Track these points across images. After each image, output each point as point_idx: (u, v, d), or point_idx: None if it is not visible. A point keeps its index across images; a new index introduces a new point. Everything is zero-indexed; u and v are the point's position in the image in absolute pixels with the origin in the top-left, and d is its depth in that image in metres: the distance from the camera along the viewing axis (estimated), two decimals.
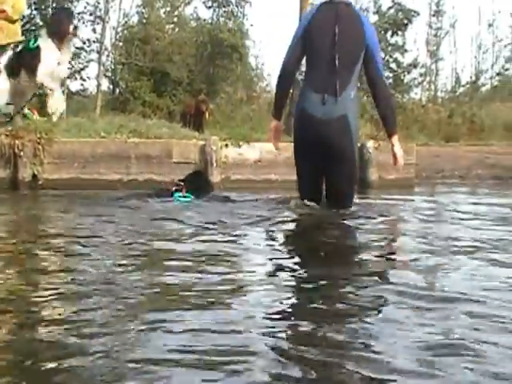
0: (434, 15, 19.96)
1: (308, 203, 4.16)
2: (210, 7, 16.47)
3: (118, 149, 6.45)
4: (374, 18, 18.17)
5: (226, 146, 6.73)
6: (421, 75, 18.98)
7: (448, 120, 16.16)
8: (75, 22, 7.00)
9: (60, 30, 6.84)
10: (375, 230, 3.63)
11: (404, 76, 18.40)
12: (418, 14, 18.23)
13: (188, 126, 9.00)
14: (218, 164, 6.51)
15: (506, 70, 19.56)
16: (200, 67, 15.11)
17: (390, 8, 18.17)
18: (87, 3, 15.03)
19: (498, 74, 19.13)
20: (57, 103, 6.98)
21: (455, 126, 15.33)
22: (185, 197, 5.09)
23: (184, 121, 9.88)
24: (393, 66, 18.22)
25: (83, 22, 14.80)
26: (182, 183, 5.20)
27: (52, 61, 6.83)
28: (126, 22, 15.77)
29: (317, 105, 4.04)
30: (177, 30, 16.13)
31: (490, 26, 19.81)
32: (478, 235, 3.31)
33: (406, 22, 18.06)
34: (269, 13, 21.88)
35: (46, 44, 6.82)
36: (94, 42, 14.95)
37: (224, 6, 16.41)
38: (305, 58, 4.31)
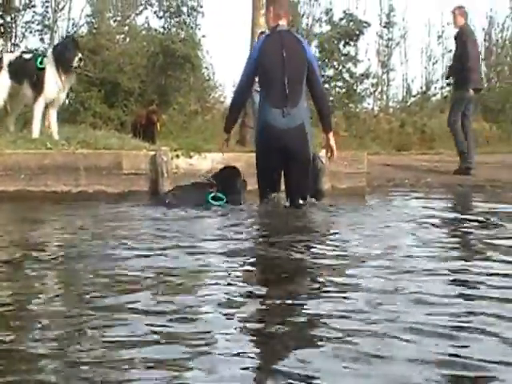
0: (384, 26, 20.38)
1: (272, 196, 5.04)
2: (161, 17, 16.44)
3: (66, 160, 6.37)
4: (326, 29, 18.48)
5: (177, 156, 6.71)
6: (373, 85, 19.30)
7: (399, 130, 16.49)
8: (78, 52, 7.05)
9: (65, 60, 6.92)
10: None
11: (356, 86, 18.68)
12: (369, 25, 18.58)
13: (139, 136, 8.95)
14: (168, 175, 6.49)
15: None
16: (152, 77, 15.05)
17: (341, 19, 18.46)
18: (35, 12, 14.86)
19: (447, 85, 19.55)
20: (37, 126, 7.01)
21: (406, 135, 15.66)
22: (217, 199, 5.27)
23: (134, 131, 9.82)
24: (346, 76, 18.48)
25: (31, 32, 14.64)
26: (214, 181, 5.41)
27: (54, 87, 6.94)
28: (75, 32, 15.62)
29: (278, 117, 4.88)
30: (128, 40, 16.05)
31: (439, 37, 20.32)
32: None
33: (357, 32, 18.37)
34: (222, 23, 21.97)
35: (51, 69, 6.91)
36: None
37: (176, 16, 16.40)
38: (258, 78, 5.25)
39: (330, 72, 19.18)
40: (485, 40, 20.34)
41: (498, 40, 20.38)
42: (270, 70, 5.01)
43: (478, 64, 9.12)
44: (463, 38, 8.57)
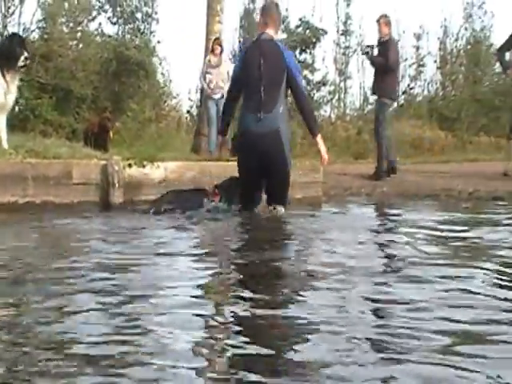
0: (342, 34, 20.56)
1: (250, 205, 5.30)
2: (115, 23, 16.29)
3: (14, 169, 6.17)
4: (282, 36, 18.53)
5: (130, 165, 6.57)
6: (330, 93, 19.46)
7: (357, 137, 16.61)
8: (24, 51, 6.55)
9: (10, 58, 6.47)
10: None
11: (314, 93, 18.81)
12: (326, 33, 18.74)
13: (91, 144, 8.78)
14: (120, 185, 6.35)
15: (411, 88, 20.37)
16: (105, 84, 14.85)
17: (298, 26, 18.58)
18: None
19: (403, 93, 19.87)
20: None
21: (363, 143, 15.76)
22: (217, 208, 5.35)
23: (86, 139, 9.63)
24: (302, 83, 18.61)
25: None
26: (217, 189, 5.49)
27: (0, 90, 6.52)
28: (25, 37, 15.30)
29: (253, 123, 5.11)
30: (80, 46, 15.81)
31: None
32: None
33: (314, 40, 18.50)
34: (177, 30, 21.87)
35: None
36: None
37: (130, 23, 16.26)
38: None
39: None
40: (440, 49, 20.78)
41: (452, 49, 20.83)
42: (247, 78, 5.26)
43: (397, 74, 9.37)
44: (386, 47, 8.71)
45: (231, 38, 19.24)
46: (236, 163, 5.44)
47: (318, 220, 5.32)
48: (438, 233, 4.14)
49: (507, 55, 9.21)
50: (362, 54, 9.97)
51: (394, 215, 5.76)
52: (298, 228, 4.63)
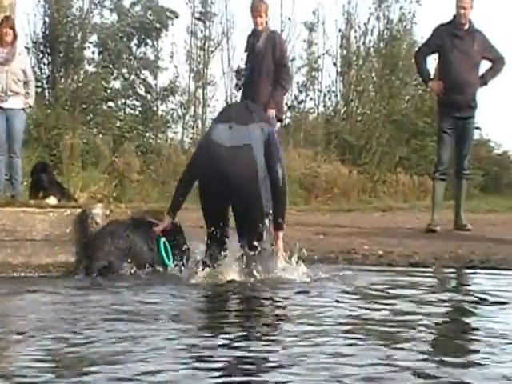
0: (198, 19, 20.91)
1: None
2: None
3: None
4: (111, 19, 18.61)
5: None
6: (182, 105, 19.77)
7: None
8: None
9: None
10: None
11: (157, 106, 18.98)
12: (177, 16, 19.03)
13: None
14: None
15: (300, 102, 20.87)
16: None
17: (134, 4, 18.74)
18: None
19: (289, 108, 20.20)
20: None
21: None
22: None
23: None
24: (140, 90, 18.77)
25: None
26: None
27: None
28: None
29: (223, 132, 6.28)
30: None
31: None
32: None
33: (158, 26, 18.76)
34: None
35: None
36: None
37: None
38: None
39: (116, 84, 19.31)
40: (341, 46, 21.44)
41: (358, 47, 21.55)
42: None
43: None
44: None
45: (32, 17, 18.98)
46: None
47: None
48: None
49: (430, 62, 9.78)
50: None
51: None
52: None
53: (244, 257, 6.26)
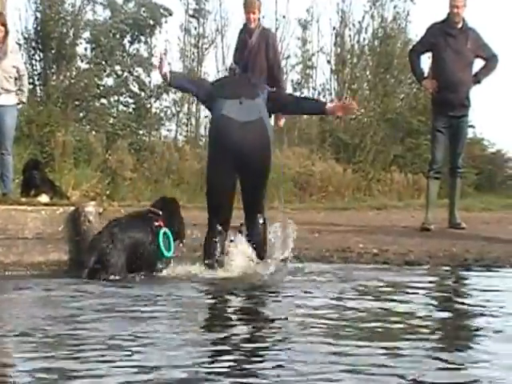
0: (192, 16, 20.93)
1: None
2: None
3: None
4: (104, 15, 18.60)
5: None
6: (175, 103, 19.77)
7: None
8: None
9: None
10: None
11: (150, 103, 18.96)
12: (171, 14, 19.01)
13: None
14: None
15: None
16: None
17: (127, 0, 18.72)
18: None
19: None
20: None
21: None
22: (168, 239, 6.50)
23: None
24: (134, 87, 18.73)
25: None
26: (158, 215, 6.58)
27: None
28: None
29: (234, 108, 6.53)
30: None
31: None
32: None
33: (152, 23, 18.73)
34: None
35: None
36: None
37: None
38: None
39: (109, 81, 19.30)
40: (335, 44, 21.48)
41: (353, 45, 21.59)
42: None
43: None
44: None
45: (23, 12, 18.92)
46: None
47: None
48: None
49: (424, 61, 9.78)
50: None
51: None
52: None
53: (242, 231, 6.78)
